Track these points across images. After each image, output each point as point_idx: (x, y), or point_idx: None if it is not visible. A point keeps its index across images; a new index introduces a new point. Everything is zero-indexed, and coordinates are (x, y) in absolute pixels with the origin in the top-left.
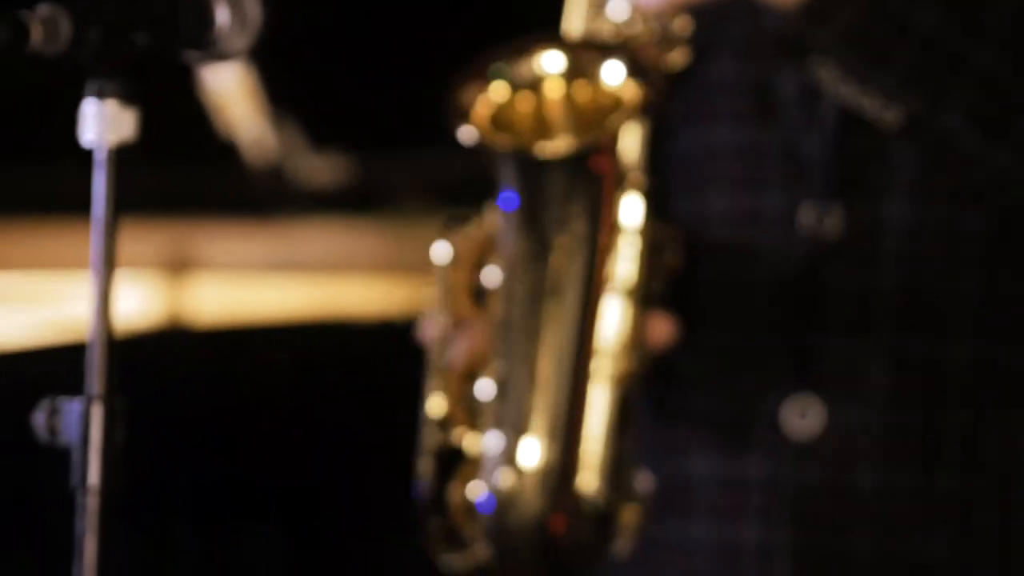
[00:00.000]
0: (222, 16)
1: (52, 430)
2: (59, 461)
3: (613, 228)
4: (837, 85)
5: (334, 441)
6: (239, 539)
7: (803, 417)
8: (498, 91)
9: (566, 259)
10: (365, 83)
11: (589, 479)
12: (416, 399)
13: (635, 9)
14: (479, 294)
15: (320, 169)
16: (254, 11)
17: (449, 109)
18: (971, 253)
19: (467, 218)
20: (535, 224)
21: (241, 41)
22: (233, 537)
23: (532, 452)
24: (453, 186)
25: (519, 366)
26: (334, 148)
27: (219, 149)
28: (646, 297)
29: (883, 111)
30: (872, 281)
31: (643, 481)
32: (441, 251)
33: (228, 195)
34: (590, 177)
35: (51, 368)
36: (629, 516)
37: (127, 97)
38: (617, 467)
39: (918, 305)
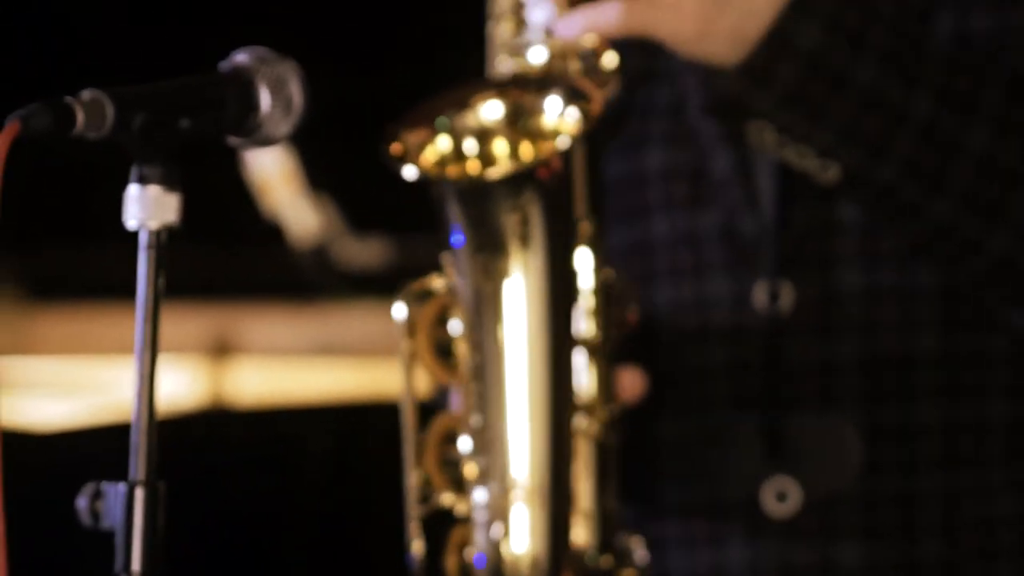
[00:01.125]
0: (265, 101)
1: (95, 514)
2: (102, 545)
3: (571, 234)
4: (776, 148)
5: (376, 522)
6: None
7: (781, 499)
8: (443, 141)
9: (525, 286)
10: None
11: (582, 535)
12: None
13: (559, 49)
14: (446, 352)
15: (361, 252)
16: (298, 96)
17: (389, 154)
18: (926, 313)
19: (428, 291)
20: (488, 248)
21: (285, 126)
22: None
23: (522, 505)
24: None
25: (496, 415)
26: (375, 231)
27: (261, 232)
28: (610, 351)
29: (822, 170)
30: (833, 353)
31: (639, 552)
32: (400, 315)
33: (270, 278)
34: (538, 187)
35: (94, 452)
36: None
37: (170, 181)
38: (607, 524)
39: (881, 372)
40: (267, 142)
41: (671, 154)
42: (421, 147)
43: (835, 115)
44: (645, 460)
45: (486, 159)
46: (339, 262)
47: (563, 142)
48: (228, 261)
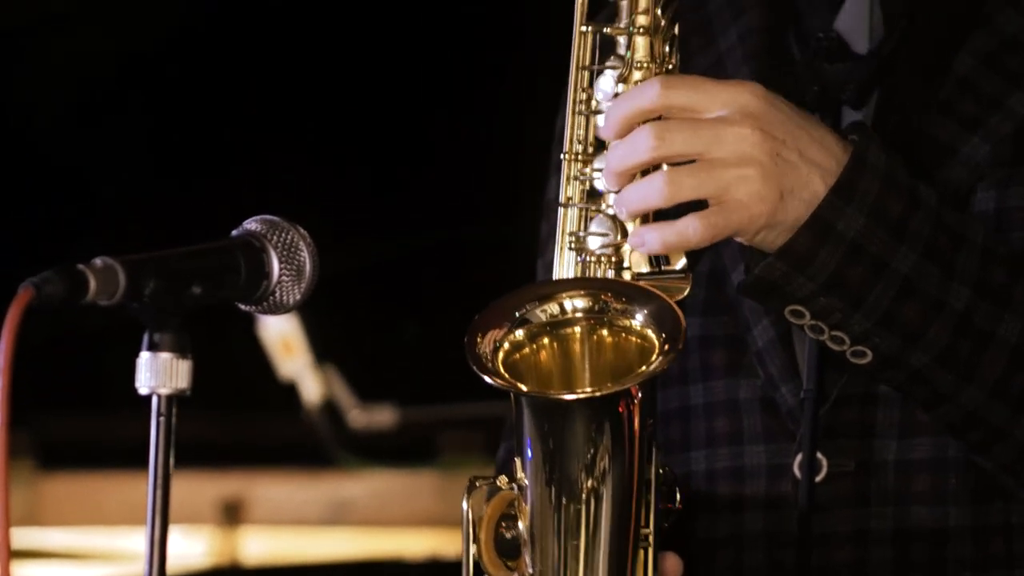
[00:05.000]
0: (276, 269)
1: None
2: None
3: (639, 474)
4: (811, 329)
5: None
6: None
7: None
8: (521, 336)
9: (594, 507)
10: (414, 337)
11: None
12: None
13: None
14: (509, 549)
15: (370, 420)
16: (309, 264)
17: (471, 352)
18: (958, 484)
19: (493, 484)
20: (559, 472)
21: (296, 294)
22: None
23: None
24: (496, 437)
25: None
26: (383, 400)
27: (272, 399)
28: (657, 542)
29: (857, 354)
30: (867, 522)
31: None
32: (465, 511)
33: (281, 445)
34: (615, 421)
35: None
36: None
37: (182, 348)
38: None
39: (914, 543)
40: (278, 309)
41: (711, 322)
42: (499, 344)
43: (872, 302)
44: None
45: (565, 359)
46: (347, 429)
47: (646, 371)
48: (239, 427)
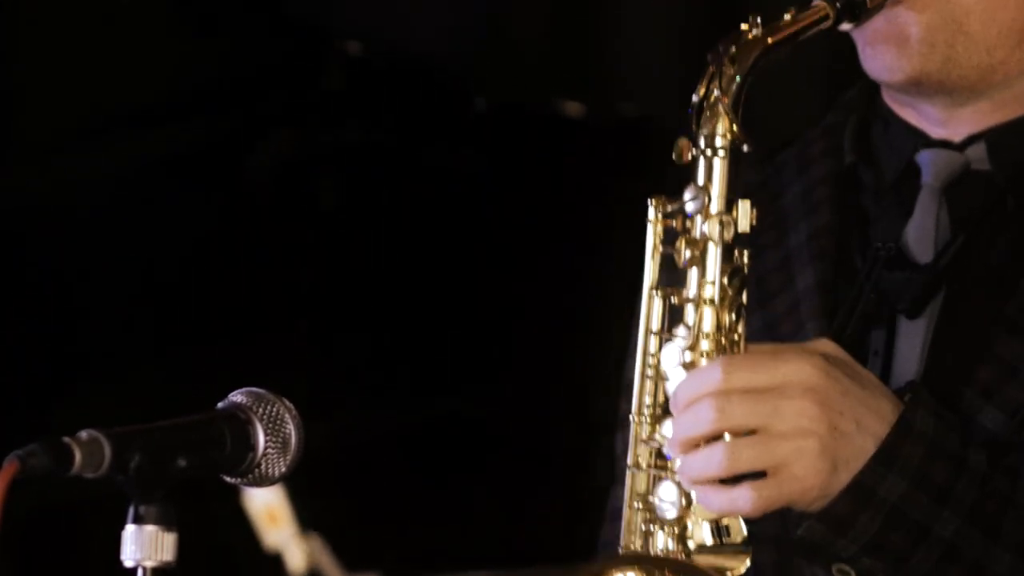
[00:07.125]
0: (262, 442)
1: None
2: None
3: None
4: None
5: None
6: None
7: None
8: None
9: None
10: (396, 509)
11: None
12: None
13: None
14: None
15: None
16: (294, 436)
17: None
18: None
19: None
20: None
21: (281, 466)
22: None
23: None
24: None
25: None
26: (366, 570)
27: (258, 570)
28: None
29: None
30: None
31: None
32: None
33: None
34: None
35: None
36: None
37: (167, 521)
38: None
39: None
40: (263, 482)
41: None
42: None
43: (915, 565)
44: None
45: None
46: None
47: None
48: None
